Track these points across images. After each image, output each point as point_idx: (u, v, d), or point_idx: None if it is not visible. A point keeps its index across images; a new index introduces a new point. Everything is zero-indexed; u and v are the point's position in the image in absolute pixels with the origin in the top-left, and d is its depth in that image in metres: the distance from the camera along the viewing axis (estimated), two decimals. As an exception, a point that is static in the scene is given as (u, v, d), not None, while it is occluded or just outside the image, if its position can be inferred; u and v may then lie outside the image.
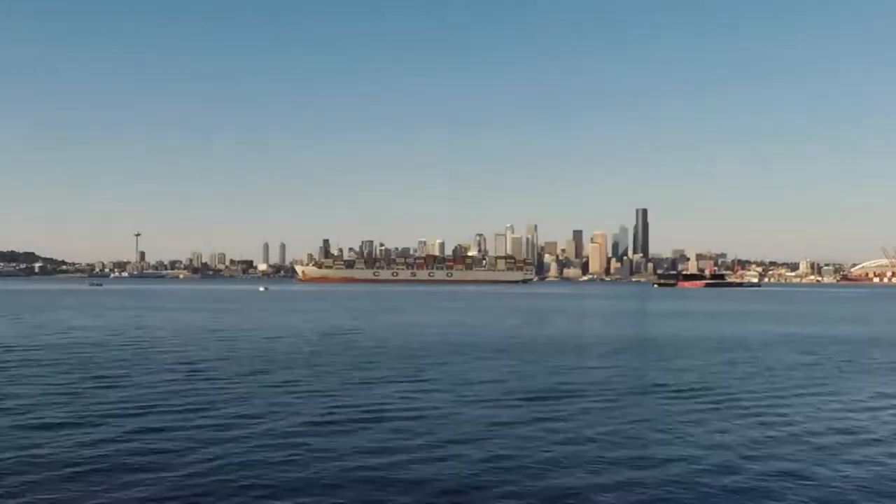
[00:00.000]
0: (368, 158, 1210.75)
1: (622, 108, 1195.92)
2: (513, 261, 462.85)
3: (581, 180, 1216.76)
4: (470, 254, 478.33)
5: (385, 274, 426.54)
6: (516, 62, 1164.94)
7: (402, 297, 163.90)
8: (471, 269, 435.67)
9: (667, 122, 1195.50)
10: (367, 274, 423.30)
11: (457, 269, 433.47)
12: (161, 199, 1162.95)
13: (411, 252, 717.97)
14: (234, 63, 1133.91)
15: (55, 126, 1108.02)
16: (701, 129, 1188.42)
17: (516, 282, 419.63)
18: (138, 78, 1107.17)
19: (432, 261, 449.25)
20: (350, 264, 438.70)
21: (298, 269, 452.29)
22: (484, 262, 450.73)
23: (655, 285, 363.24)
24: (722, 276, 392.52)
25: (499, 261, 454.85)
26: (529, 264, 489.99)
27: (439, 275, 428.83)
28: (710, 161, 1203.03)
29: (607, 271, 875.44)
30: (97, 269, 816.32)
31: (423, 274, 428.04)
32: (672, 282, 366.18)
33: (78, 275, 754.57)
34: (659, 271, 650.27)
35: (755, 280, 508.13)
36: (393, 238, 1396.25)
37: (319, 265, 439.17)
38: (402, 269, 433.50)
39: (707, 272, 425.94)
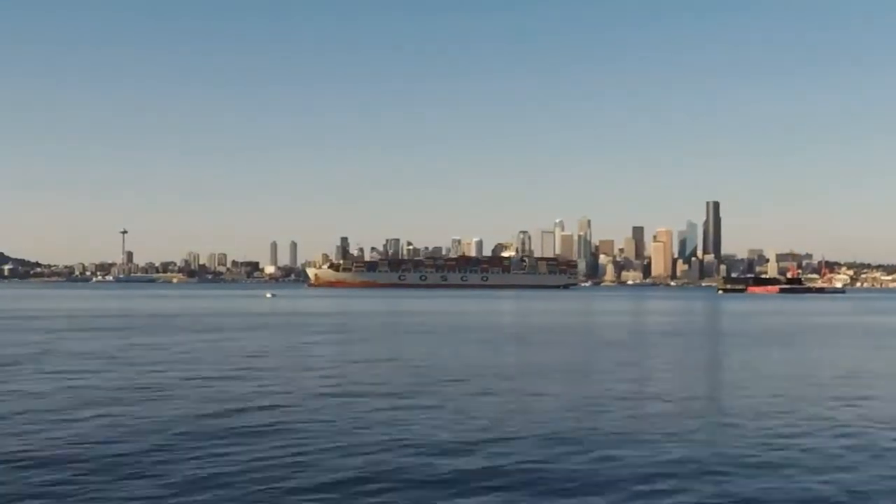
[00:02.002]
0: (393, 145, 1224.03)
1: (687, 88, 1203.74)
2: (555, 263, 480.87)
3: (642, 169, 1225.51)
4: (506, 254, 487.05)
5: (412, 278, 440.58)
6: (570, 36, 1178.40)
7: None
8: (508, 272, 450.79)
9: (741, 102, 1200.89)
10: (391, 278, 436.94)
11: (493, 273, 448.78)
12: (152, 190, 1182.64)
13: (444, 252, 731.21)
14: (238, 40, 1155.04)
15: (25, 105, 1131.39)
16: (780, 108, 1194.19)
17: (557, 287, 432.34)
18: (124, 51, 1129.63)
19: (465, 263, 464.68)
20: (371, 266, 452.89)
21: (310, 272, 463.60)
22: (524, 263, 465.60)
23: (720, 291, 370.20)
24: (799, 281, 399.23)
25: (540, 263, 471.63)
26: (573, 266, 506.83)
27: (473, 279, 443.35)
28: (792, 146, 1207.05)
29: (673, 274, 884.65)
30: (77, 272, 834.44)
31: (454, 278, 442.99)
32: (741, 287, 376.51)
33: (54, 278, 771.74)
34: (733, 274, 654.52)
35: (840, 285, 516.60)
36: (423, 236, 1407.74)
37: (336, 267, 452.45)
38: (431, 272, 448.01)
39: (790, 275, 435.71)
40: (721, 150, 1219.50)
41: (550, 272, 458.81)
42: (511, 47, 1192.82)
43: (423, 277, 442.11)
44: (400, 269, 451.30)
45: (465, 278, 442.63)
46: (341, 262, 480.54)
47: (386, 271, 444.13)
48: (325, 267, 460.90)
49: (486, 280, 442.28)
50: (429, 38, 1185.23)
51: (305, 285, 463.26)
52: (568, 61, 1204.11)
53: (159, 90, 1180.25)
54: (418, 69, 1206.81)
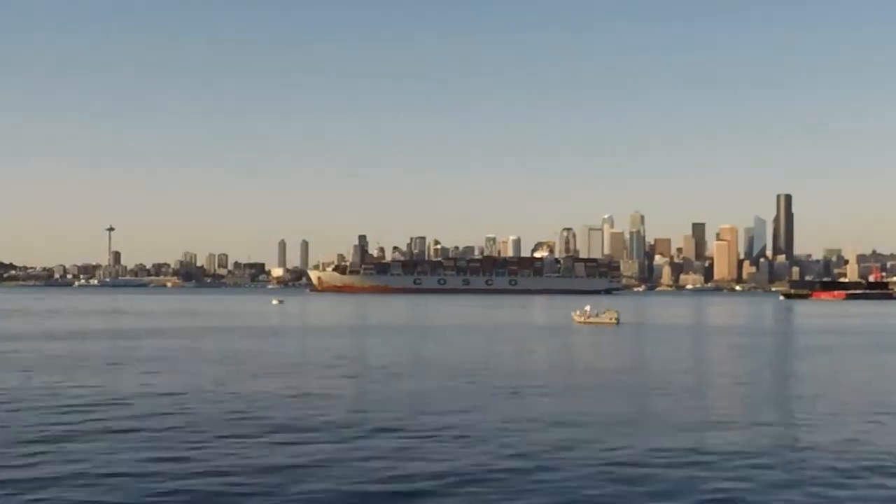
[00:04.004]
0: (421, 132, 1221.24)
1: (752, 68, 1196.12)
2: (594, 264, 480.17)
3: (703, 158, 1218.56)
4: (538, 255, 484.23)
5: (429, 281, 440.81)
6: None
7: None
8: (541, 274, 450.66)
9: (816, 82, 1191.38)
10: (406, 281, 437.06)
11: (522, 276, 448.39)
12: (142, 182, 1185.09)
13: (476, 253, 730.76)
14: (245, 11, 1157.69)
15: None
16: (862, 87, 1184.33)
17: (598, 292, 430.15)
18: (111, 25, 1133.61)
19: (491, 265, 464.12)
20: (382, 269, 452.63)
21: (313, 275, 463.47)
22: (558, 265, 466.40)
23: (782, 297, 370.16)
24: (883, 285, 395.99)
25: (577, 264, 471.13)
26: (615, 268, 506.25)
27: (500, 283, 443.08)
28: (875, 130, 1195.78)
29: (738, 277, 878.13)
30: (57, 275, 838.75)
31: (478, 281, 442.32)
32: (806, 292, 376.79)
33: (31, 282, 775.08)
34: (807, 277, 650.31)
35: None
36: (455, 235, 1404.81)
37: (342, 270, 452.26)
38: (452, 274, 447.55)
39: (872, 278, 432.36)
40: (793, 135, 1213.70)
41: (589, 275, 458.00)
42: (552, 25, 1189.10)
43: (443, 281, 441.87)
44: (416, 271, 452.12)
45: (490, 282, 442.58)
46: (348, 263, 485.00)
47: (399, 274, 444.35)
48: (329, 269, 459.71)
49: (515, 284, 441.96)
50: (464, 20, 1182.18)
51: (307, 290, 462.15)
52: (619, 37, 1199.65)
53: (152, 70, 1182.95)
54: (452, 52, 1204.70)
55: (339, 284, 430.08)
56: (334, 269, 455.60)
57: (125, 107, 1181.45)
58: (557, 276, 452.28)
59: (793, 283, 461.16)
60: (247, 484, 23.67)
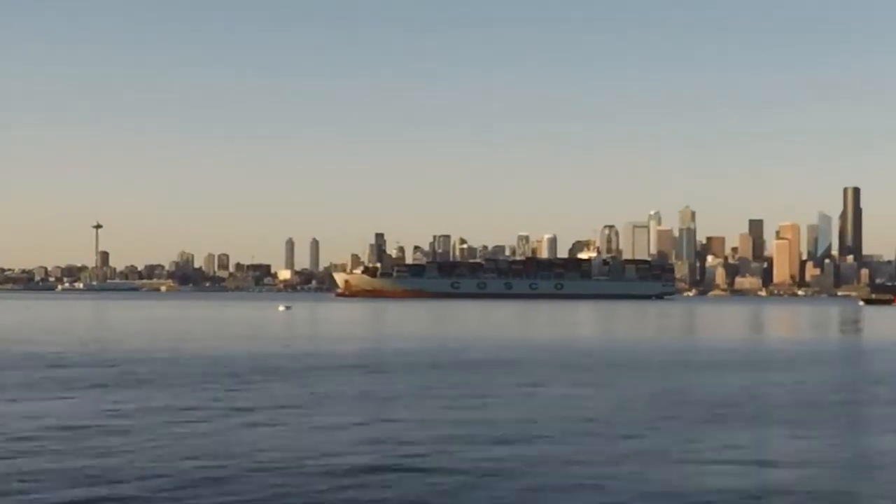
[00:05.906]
0: (438, 121, 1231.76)
1: (817, 49, 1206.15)
2: (647, 266, 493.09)
3: (761, 148, 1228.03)
4: (585, 256, 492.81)
5: (467, 285, 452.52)
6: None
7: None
8: (589, 277, 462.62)
9: (884, 66, 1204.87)
10: (442, 285, 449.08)
11: (569, 279, 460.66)
12: (132, 176, 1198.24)
13: (507, 253, 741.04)
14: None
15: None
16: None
17: (649, 297, 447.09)
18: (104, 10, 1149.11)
19: (534, 267, 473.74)
20: (417, 272, 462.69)
21: (339, 277, 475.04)
22: (607, 267, 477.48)
23: (862, 302, 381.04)
24: None
25: (628, 266, 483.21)
26: (669, 271, 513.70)
27: (544, 287, 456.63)
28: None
29: (801, 280, 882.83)
30: (38, 278, 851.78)
31: (521, 285, 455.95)
32: (889, 297, 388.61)
33: (9, 286, 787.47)
34: (878, 280, 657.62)
35: None
36: (481, 232, 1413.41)
37: (371, 272, 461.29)
38: (492, 277, 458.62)
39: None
40: (861, 123, 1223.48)
41: (641, 278, 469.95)
42: (580, 14, 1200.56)
43: (482, 285, 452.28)
44: (453, 274, 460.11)
45: (534, 286, 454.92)
46: (378, 265, 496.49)
47: (435, 277, 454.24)
48: (357, 271, 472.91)
49: (561, 288, 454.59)
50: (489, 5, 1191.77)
51: (334, 294, 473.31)
52: (662, 23, 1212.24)
53: (147, 54, 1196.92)
54: (481, 37, 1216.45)
55: (367, 288, 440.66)
56: (364, 272, 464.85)
57: (116, 91, 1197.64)
58: (607, 280, 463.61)
59: (873, 286, 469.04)
60: None
